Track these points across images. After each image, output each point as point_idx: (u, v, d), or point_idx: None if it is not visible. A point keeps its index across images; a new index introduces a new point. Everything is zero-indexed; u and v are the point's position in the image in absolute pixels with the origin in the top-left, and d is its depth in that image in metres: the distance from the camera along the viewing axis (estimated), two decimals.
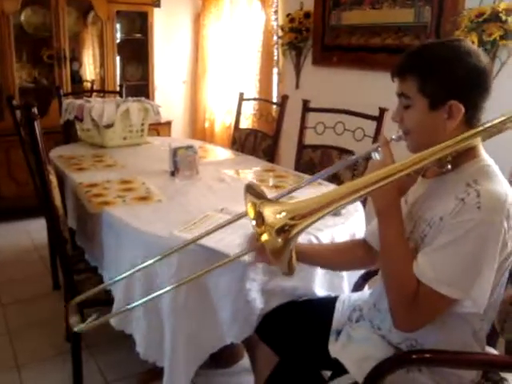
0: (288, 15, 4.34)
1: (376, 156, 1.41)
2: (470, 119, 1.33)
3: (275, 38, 4.60)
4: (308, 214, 1.20)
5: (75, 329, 1.62)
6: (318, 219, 1.21)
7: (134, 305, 1.64)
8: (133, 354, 1.93)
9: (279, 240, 1.20)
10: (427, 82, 1.31)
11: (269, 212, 1.21)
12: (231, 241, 1.76)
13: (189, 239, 1.65)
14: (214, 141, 5.31)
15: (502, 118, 1.28)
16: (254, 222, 1.23)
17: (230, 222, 1.55)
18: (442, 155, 1.24)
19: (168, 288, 1.55)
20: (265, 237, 1.21)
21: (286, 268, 1.27)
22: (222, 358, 2.44)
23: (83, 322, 2.29)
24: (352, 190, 1.21)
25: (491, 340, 1.65)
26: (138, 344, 1.91)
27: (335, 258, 1.75)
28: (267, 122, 4.11)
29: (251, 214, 1.24)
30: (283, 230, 1.19)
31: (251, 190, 1.27)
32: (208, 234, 1.57)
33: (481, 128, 1.28)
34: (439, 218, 1.29)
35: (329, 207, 1.21)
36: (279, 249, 1.21)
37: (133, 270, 1.61)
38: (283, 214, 1.20)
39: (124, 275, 1.67)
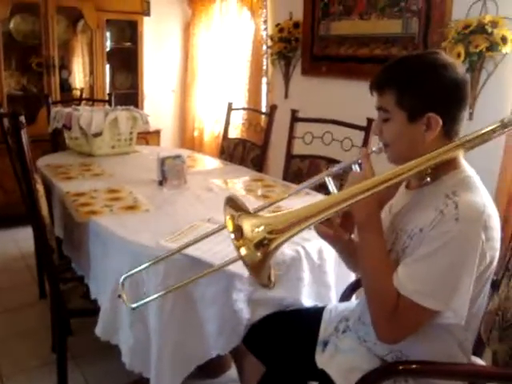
0: (277, 25, 4.37)
1: (357, 168, 1.42)
2: (448, 131, 1.34)
3: (264, 47, 4.62)
4: (287, 227, 1.20)
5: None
6: (297, 233, 1.21)
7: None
8: (119, 364, 1.91)
9: (258, 254, 1.19)
10: (405, 95, 1.33)
11: (247, 226, 1.21)
12: (218, 251, 1.76)
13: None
14: (203, 150, 5.31)
15: (482, 132, 1.29)
16: (232, 236, 1.22)
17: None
18: (422, 168, 1.26)
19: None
20: (243, 251, 1.20)
21: (265, 281, 1.26)
22: (210, 368, 2.42)
23: (71, 333, 2.29)
24: (332, 203, 1.22)
25: (478, 350, 1.65)
26: (123, 354, 1.90)
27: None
28: (256, 132, 4.11)
29: (230, 226, 1.23)
30: (262, 244, 1.19)
31: (231, 203, 1.26)
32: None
33: (459, 142, 1.30)
34: (419, 229, 1.30)
35: (308, 221, 1.21)
36: (258, 263, 1.21)
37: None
38: (262, 227, 1.20)
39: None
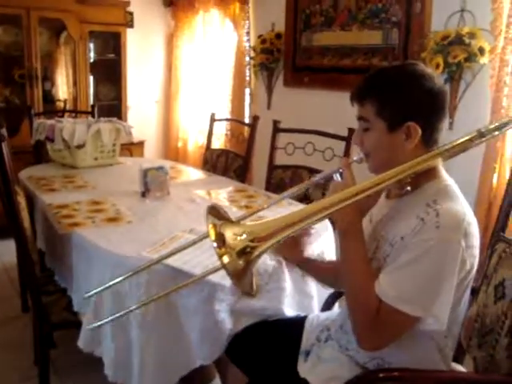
0: (260, 36, 4.39)
1: (338, 177, 1.44)
2: (428, 140, 1.37)
3: (247, 58, 4.64)
4: (269, 235, 1.21)
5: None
6: (280, 241, 1.23)
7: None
8: (102, 376, 1.89)
9: (240, 262, 1.21)
10: (385, 105, 1.36)
11: (229, 234, 1.23)
12: (199, 262, 1.76)
13: (154, 259, 1.65)
14: (187, 160, 5.31)
15: (459, 141, 1.31)
16: (215, 244, 1.23)
17: (194, 243, 1.55)
18: (402, 177, 1.27)
19: (134, 307, 1.55)
20: (226, 259, 1.21)
21: (248, 289, 1.27)
22: (194, 379, 2.41)
23: (54, 346, 2.27)
24: (313, 211, 1.24)
25: (458, 357, 1.67)
26: (106, 366, 1.88)
27: (330, 275, 1.75)
28: (239, 143, 4.13)
29: (212, 235, 1.24)
30: (244, 252, 1.20)
31: (213, 211, 1.28)
32: (173, 254, 1.57)
33: (438, 151, 1.32)
34: (400, 237, 1.31)
35: (290, 229, 1.23)
36: (241, 271, 1.22)
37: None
38: (244, 235, 1.22)
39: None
